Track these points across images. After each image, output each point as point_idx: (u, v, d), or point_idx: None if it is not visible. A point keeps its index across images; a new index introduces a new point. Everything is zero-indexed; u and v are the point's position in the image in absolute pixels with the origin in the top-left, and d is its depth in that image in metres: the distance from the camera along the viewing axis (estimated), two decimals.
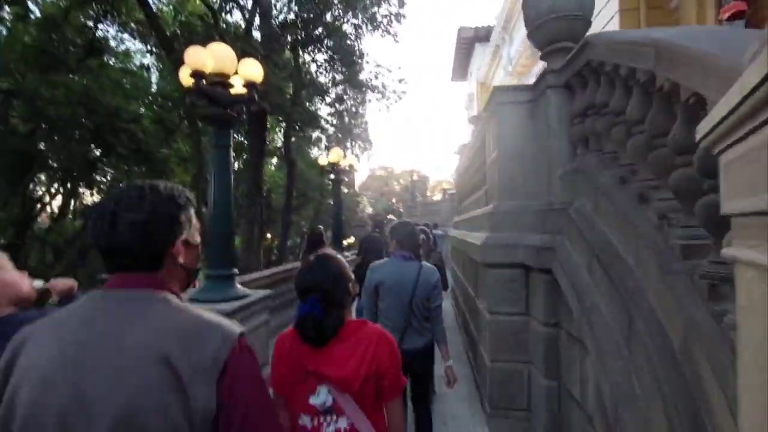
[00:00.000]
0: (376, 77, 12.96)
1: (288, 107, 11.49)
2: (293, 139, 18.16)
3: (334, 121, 28.59)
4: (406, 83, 14.02)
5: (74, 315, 0.82)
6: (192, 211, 0.95)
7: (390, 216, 30.43)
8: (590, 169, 2.61)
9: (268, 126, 13.48)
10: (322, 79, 13.24)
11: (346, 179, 9.65)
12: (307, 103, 14.81)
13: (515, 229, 3.28)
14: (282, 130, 17.56)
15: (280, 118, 13.89)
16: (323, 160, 8.27)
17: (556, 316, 2.82)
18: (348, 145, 28.94)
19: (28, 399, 0.73)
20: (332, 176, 8.18)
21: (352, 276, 1.52)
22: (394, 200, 46.98)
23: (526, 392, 3.18)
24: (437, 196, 29.96)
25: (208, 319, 0.85)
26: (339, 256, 1.53)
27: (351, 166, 8.46)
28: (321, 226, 8.75)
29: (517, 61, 12.24)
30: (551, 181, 3.07)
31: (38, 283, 1.61)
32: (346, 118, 29.43)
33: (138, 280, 0.85)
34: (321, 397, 1.31)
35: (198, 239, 0.97)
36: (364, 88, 12.95)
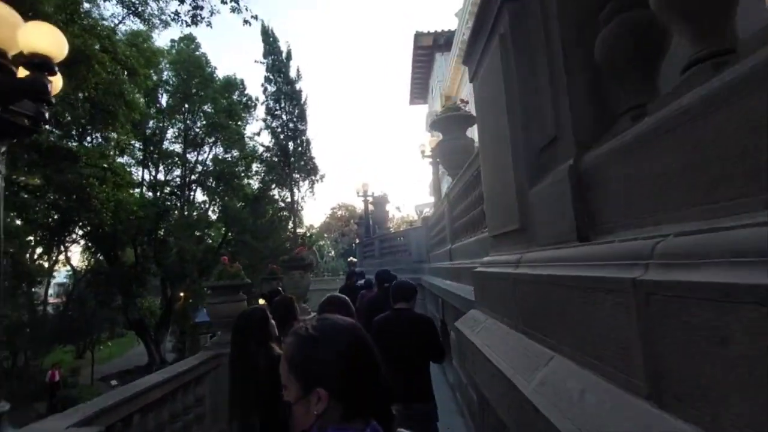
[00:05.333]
0: None
1: None
2: None
3: (268, 143, 22.12)
4: None
5: None
6: None
7: (351, 258, 24.16)
8: None
9: None
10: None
11: None
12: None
13: None
14: None
15: None
16: None
17: None
18: (287, 170, 23.25)
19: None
20: None
21: None
22: (357, 241, 41.49)
23: None
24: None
25: None
26: None
27: None
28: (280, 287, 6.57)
29: None
30: None
31: None
32: (281, 138, 22.73)
33: None
34: None
35: None
36: None
